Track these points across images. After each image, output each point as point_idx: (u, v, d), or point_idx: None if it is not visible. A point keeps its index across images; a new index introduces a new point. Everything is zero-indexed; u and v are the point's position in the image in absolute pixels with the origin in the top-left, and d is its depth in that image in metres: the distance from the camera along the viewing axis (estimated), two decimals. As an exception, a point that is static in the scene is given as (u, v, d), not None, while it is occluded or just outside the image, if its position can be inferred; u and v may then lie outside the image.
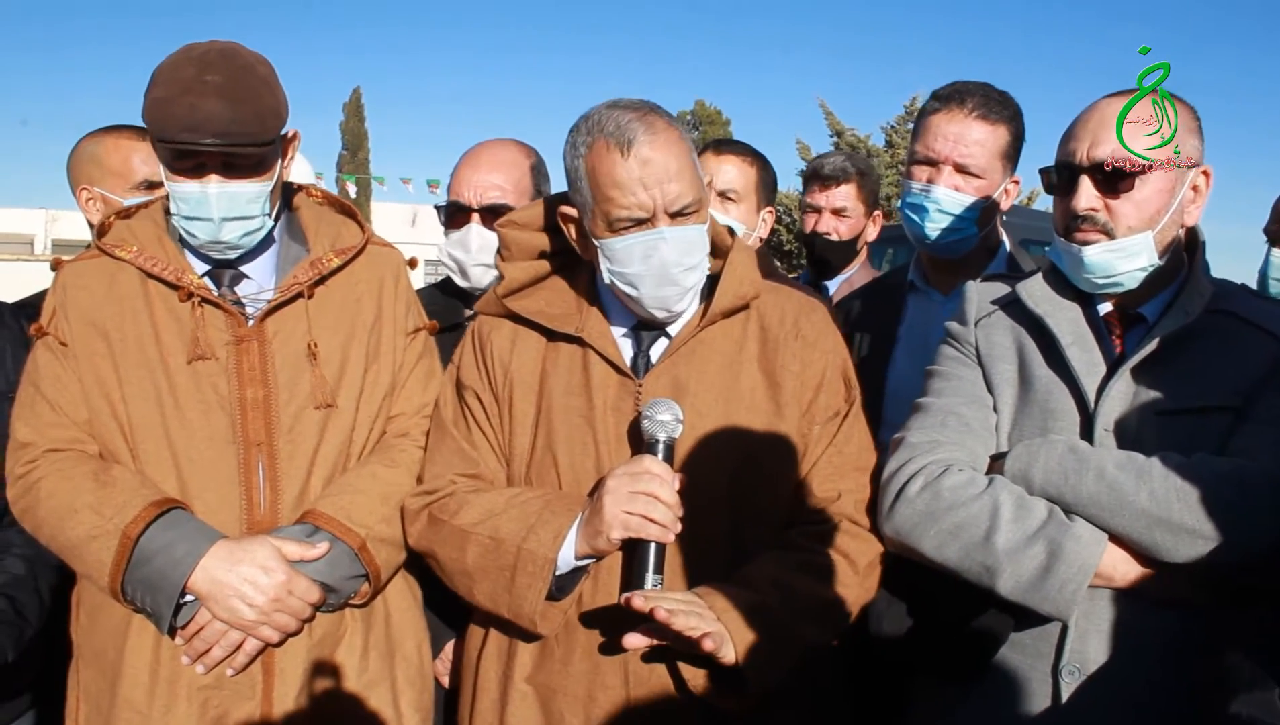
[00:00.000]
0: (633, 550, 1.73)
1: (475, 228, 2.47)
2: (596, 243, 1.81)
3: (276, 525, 1.94)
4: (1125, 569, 1.72)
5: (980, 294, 2.02)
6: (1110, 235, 1.80)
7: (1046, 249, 1.98)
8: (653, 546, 1.70)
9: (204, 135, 1.80)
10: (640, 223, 1.75)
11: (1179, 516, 1.64)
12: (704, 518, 1.79)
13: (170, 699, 1.90)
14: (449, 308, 2.59)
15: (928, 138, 2.47)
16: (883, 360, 2.64)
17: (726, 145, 3.03)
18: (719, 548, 1.81)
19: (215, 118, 1.80)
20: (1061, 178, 1.84)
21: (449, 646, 2.33)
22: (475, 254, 2.47)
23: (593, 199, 1.77)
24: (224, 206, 1.89)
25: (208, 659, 1.89)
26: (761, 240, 2.97)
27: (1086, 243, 1.81)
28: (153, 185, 2.57)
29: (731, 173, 2.91)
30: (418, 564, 2.06)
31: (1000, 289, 2.00)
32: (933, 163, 2.47)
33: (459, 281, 2.56)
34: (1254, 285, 3.03)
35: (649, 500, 1.68)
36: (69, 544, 1.85)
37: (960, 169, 2.44)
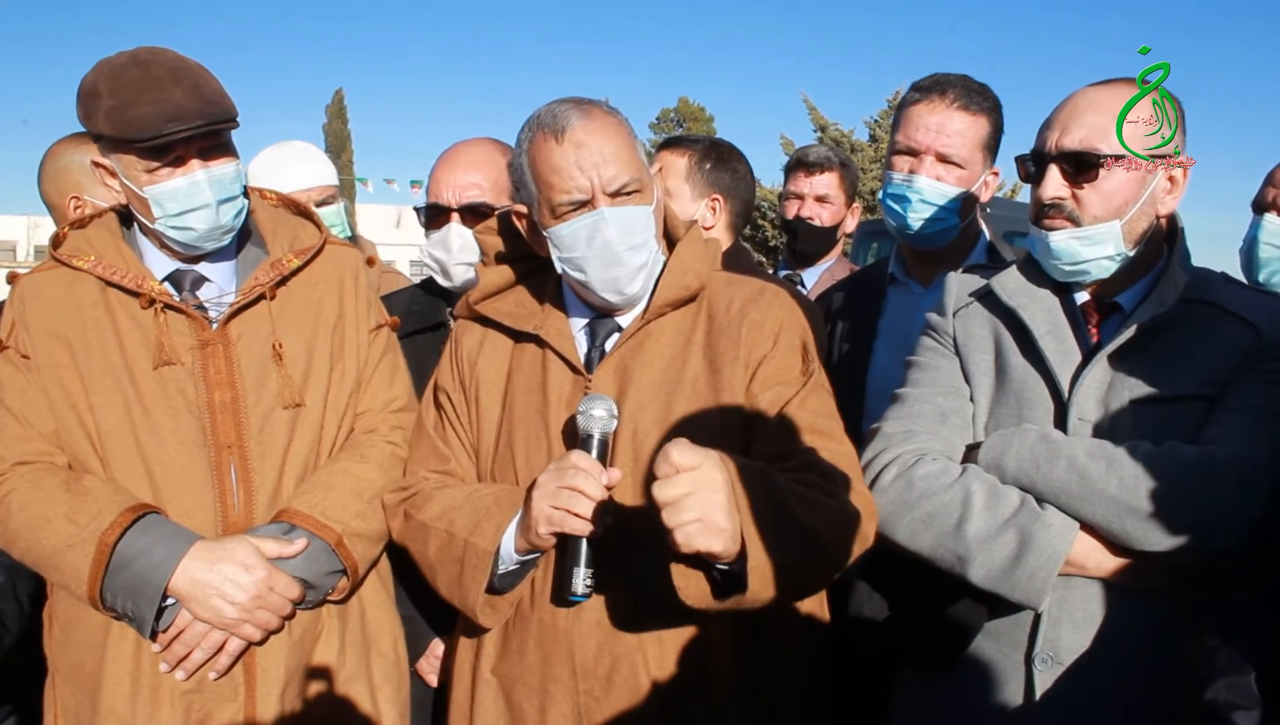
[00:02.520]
0: (563, 545, 1.74)
1: (455, 227, 2.47)
2: (545, 233, 1.84)
3: (252, 525, 1.94)
4: (1098, 557, 1.73)
5: (959, 285, 2.04)
6: (1076, 223, 1.81)
7: (1022, 239, 2.00)
8: (583, 542, 1.70)
9: (188, 120, 1.81)
10: (581, 206, 1.79)
11: (1148, 504, 1.65)
12: (643, 511, 1.76)
13: (153, 705, 1.89)
14: (431, 307, 2.59)
15: (909, 128, 2.48)
16: (864, 353, 2.64)
17: (664, 143, 2.97)
18: (660, 543, 1.75)
19: (189, 102, 1.82)
20: (1033, 165, 1.86)
21: (435, 645, 2.33)
22: (456, 253, 2.47)
23: (536, 189, 1.82)
24: (217, 190, 1.90)
25: (189, 663, 1.88)
26: (708, 228, 2.81)
27: (1053, 230, 1.82)
28: None
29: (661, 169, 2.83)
30: (396, 562, 2.08)
31: (978, 280, 2.02)
32: (914, 152, 2.47)
33: (441, 281, 2.56)
34: (1238, 262, 3.02)
35: (572, 494, 1.67)
36: (44, 555, 1.84)
37: (942, 158, 2.45)
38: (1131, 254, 1.83)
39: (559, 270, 1.86)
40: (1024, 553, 1.70)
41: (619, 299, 1.85)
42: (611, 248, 1.78)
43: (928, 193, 2.46)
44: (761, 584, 1.55)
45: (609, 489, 1.71)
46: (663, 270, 1.89)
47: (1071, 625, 1.76)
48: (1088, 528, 1.72)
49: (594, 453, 1.72)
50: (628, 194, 1.80)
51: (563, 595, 1.74)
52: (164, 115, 1.80)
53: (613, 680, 1.79)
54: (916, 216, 2.48)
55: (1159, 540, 1.66)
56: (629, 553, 1.78)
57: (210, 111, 1.84)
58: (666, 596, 1.78)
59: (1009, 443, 1.80)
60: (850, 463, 1.81)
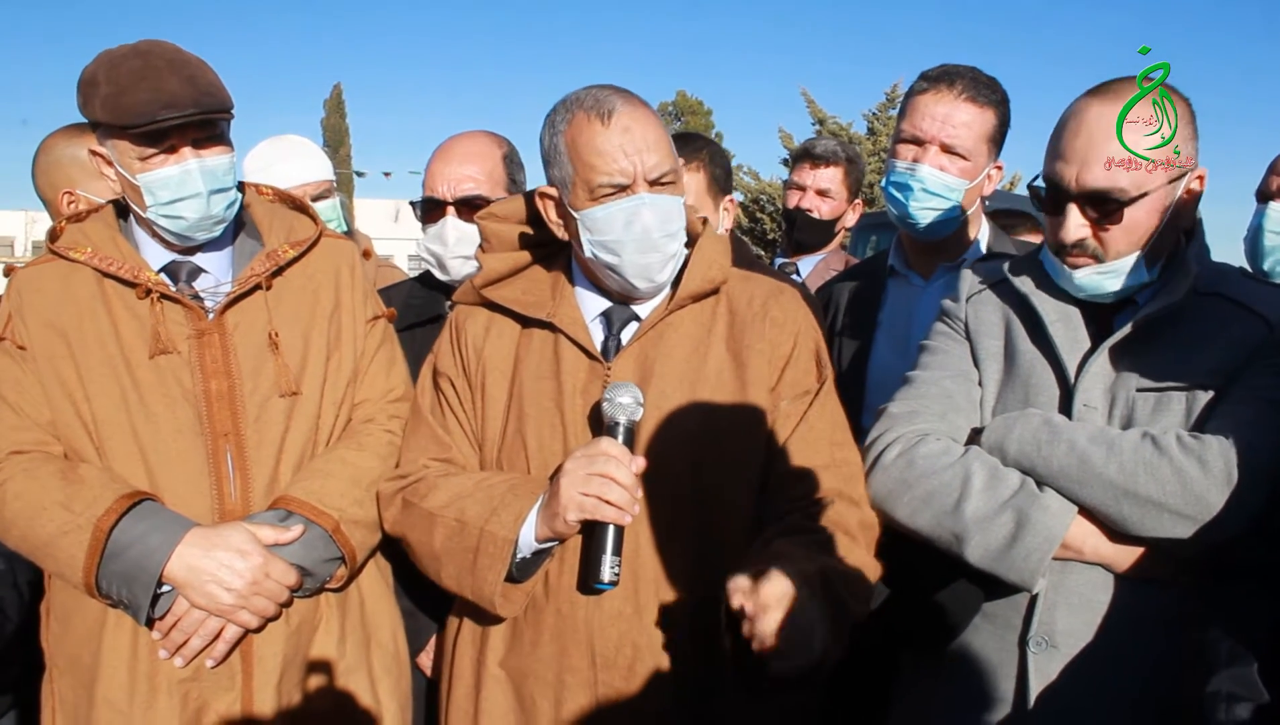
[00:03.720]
0: (590, 532, 1.74)
1: (451, 220, 2.47)
2: (577, 215, 1.82)
3: (248, 513, 1.94)
4: (1094, 542, 1.73)
5: (975, 272, 2.05)
6: (1099, 260, 1.79)
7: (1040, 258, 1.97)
8: (610, 529, 1.70)
9: (181, 108, 1.81)
10: (622, 190, 1.78)
11: (1145, 489, 1.65)
12: (667, 500, 1.80)
13: (150, 695, 1.89)
14: (429, 301, 2.59)
15: (915, 117, 2.47)
16: (864, 346, 2.64)
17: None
18: (682, 530, 1.81)
19: (183, 90, 1.83)
20: (1049, 199, 1.81)
21: (435, 639, 2.32)
22: (452, 246, 2.47)
23: (573, 170, 1.80)
24: (208, 179, 1.91)
25: (186, 650, 1.88)
26: (728, 230, 2.89)
27: (1076, 267, 1.81)
28: None
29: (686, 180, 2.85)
30: (396, 557, 2.06)
31: (993, 268, 2.02)
32: (919, 142, 2.46)
33: (438, 275, 2.56)
34: (1242, 252, 3.00)
35: (604, 482, 1.67)
36: (40, 543, 1.84)
37: (946, 149, 2.44)
38: (1153, 274, 1.81)
39: (587, 254, 1.84)
40: (1020, 534, 1.71)
41: (647, 286, 1.85)
42: (649, 234, 1.78)
43: (930, 182, 2.45)
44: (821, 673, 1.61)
45: (636, 476, 1.71)
46: (685, 263, 1.90)
47: (1067, 609, 1.77)
48: (1086, 512, 1.73)
49: (621, 440, 1.72)
50: (665, 183, 1.80)
51: (588, 583, 1.74)
52: (158, 102, 1.80)
53: (635, 670, 1.78)
54: (918, 206, 2.47)
55: (1155, 527, 1.66)
56: (652, 542, 1.79)
57: (204, 101, 1.85)
58: (687, 584, 1.79)
59: (1012, 426, 1.81)
60: (856, 473, 1.88)
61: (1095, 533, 1.73)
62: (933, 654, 1.92)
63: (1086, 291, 1.83)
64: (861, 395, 2.52)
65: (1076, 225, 1.77)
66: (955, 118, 2.43)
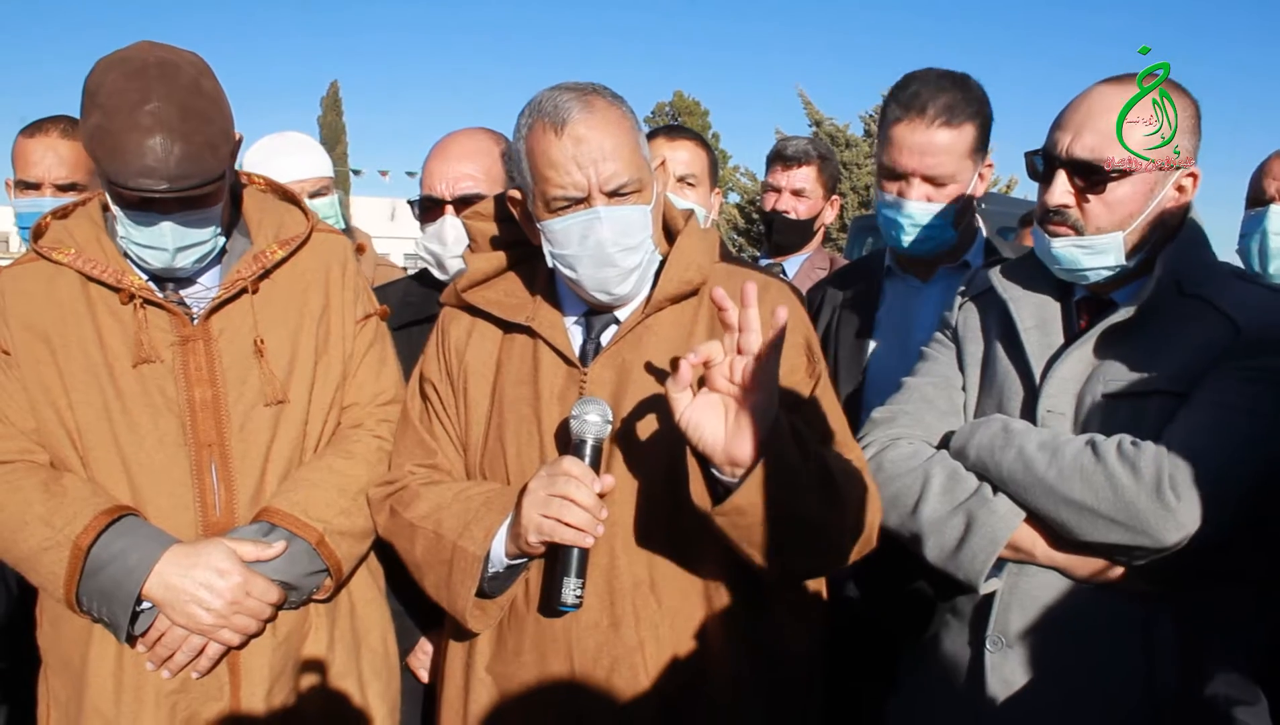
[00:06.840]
0: (554, 554, 1.70)
1: (450, 220, 2.45)
2: (538, 225, 1.80)
3: (233, 526, 1.90)
4: (1043, 546, 1.77)
5: (973, 279, 2.07)
6: (1079, 231, 1.79)
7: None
8: (574, 551, 1.66)
9: (157, 181, 1.71)
10: (576, 202, 1.73)
11: (1079, 495, 1.67)
12: (643, 509, 1.76)
13: (137, 705, 1.87)
14: (426, 299, 2.57)
15: (893, 151, 2.38)
16: (862, 347, 2.62)
17: (678, 131, 3.06)
18: (659, 539, 1.77)
19: (166, 160, 1.71)
20: (1042, 167, 1.83)
21: (424, 642, 2.32)
22: (451, 246, 2.45)
23: (532, 180, 1.76)
24: (178, 238, 1.84)
25: (172, 664, 1.86)
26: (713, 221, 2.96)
27: (1055, 235, 1.81)
28: (26, 186, 2.62)
29: (687, 157, 2.93)
30: (386, 559, 2.06)
31: (986, 276, 2.02)
32: (901, 176, 2.39)
33: (436, 274, 2.54)
34: (1238, 258, 2.95)
35: (563, 503, 1.63)
36: (22, 557, 1.82)
37: (929, 179, 2.37)
38: (1130, 264, 1.81)
39: (550, 265, 1.82)
40: (968, 535, 1.76)
41: (608, 299, 1.82)
42: (604, 249, 1.73)
43: (918, 216, 2.38)
44: (753, 494, 1.54)
45: (601, 496, 1.67)
46: (663, 263, 1.85)
47: (1020, 610, 1.80)
48: (1036, 517, 1.75)
49: (586, 459, 1.68)
50: (625, 194, 1.74)
51: (551, 605, 1.71)
52: (135, 168, 1.71)
53: (612, 682, 1.76)
54: (910, 237, 2.41)
55: (1091, 532, 1.68)
56: (628, 551, 1.76)
57: (188, 173, 1.73)
58: (664, 595, 1.77)
59: (974, 430, 1.85)
60: (862, 467, 1.82)
61: (1043, 537, 1.76)
62: (915, 648, 1.96)
63: (1062, 264, 1.83)
64: (860, 397, 2.51)
65: (1062, 190, 1.79)
66: (933, 147, 2.33)
